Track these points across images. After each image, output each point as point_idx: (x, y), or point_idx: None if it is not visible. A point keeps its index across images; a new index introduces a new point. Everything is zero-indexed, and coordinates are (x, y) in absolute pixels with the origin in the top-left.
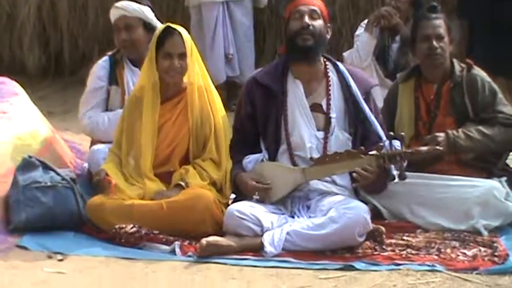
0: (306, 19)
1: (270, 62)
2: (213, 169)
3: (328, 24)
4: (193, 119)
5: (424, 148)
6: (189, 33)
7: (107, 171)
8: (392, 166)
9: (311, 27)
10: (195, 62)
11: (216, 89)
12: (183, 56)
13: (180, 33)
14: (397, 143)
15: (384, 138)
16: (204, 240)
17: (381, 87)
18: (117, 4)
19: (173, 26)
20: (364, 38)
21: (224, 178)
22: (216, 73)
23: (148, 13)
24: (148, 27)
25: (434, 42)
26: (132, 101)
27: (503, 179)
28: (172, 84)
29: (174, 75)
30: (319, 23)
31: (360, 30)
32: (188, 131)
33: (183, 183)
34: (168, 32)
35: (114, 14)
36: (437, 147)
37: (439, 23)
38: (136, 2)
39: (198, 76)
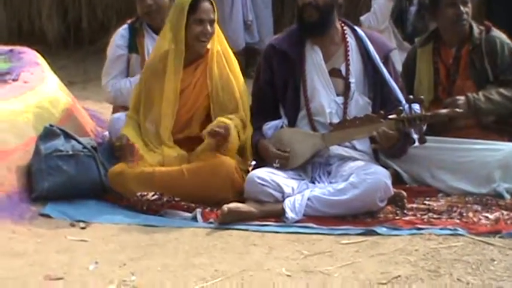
0: None
1: (288, 28)
2: (240, 128)
3: None
4: (213, 84)
5: (444, 110)
6: None
7: (128, 137)
8: (412, 130)
9: (313, 2)
10: (217, 30)
11: (235, 55)
12: (213, 22)
13: (211, 0)
14: (416, 107)
15: (403, 101)
16: (225, 207)
17: (399, 50)
18: None
19: None
20: (381, 0)
21: (246, 142)
22: (235, 40)
23: None
24: None
25: (462, 8)
26: (151, 66)
27: None
28: (194, 51)
29: (204, 41)
30: None
31: None
32: (208, 96)
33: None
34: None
35: None
36: (457, 109)
37: None
38: None
39: (217, 42)
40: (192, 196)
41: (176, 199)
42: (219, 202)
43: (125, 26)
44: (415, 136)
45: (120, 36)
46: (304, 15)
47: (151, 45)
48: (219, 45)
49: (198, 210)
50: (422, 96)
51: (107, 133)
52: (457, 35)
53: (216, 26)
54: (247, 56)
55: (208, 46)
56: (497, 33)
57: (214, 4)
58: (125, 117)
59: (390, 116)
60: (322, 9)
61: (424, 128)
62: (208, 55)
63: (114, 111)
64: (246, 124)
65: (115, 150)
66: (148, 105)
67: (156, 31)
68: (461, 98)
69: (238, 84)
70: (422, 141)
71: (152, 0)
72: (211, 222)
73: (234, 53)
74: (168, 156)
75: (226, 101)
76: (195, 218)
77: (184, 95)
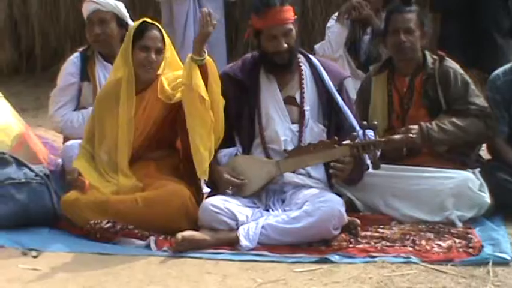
0: (283, 43)
1: (242, 55)
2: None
3: (295, 17)
4: (166, 102)
5: (397, 136)
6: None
7: (80, 170)
8: (366, 155)
9: (287, 46)
10: (172, 57)
11: None
12: (160, 51)
13: (159, 28)
14: (370, 133)
15: (358, 128)
16: (179, 235)
17: (352, 78)
18: None
19: (150, 21)
20: (335, 29)
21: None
22: None
23: (122, 8)
24: (122, 23)
25: (403, 36)
26: (103, 95)
27: (477, 170)
28: (143, 79)
29: (148, 69)
30: (293, 36)
31: (332, 22)
32: (156, 120)
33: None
34: (146, 25)
35: (87, 8)
36: (410, 135)
37: (410, 16)
38: None
39: (168, 68)
40: (146, 225)
41: (130, 227)
42: (173, 230)
43: (77, 54)
44: (369, 162)
45: (71, 64)
46: (276, 58)
47: (102, 73)
48: (171, 70)
49: (152, 238)
50: (376, 122)
51: (60, 160)
52: (407, 63)
53: (171, 54)
54: None
55: (159, 72)
56: (451, 63)
57: (164, 34)
58: (78, 145)
59: (344, 142)
60: (292, 48)
61: (378, 154)
62: (159, 80)
63: (67, 138)
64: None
65: (67, 183)
66: (101, 135)
67: (107, 59)
68: (414, 127)
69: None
70: (376, 167)
71: (100, 29)
72: (165, 251)
73: None
74: (123, 186)
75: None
76: (149, 246)
77: (135, 121)
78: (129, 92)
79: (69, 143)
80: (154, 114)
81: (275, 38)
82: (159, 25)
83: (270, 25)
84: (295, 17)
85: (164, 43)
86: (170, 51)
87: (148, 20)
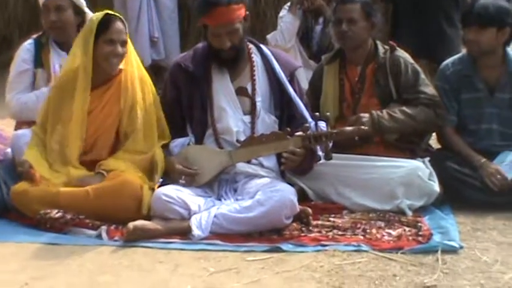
0: (226, 41)
1: (195, 44)
2: (135, 156)
3: (247, 13)
4: (125, 107)
5: (349, 128)
6: None
7: (30, 162)
8: (318, 147)
9: (230, 44)
10: (131, 51)
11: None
12: (124, 43)
13: (122, 20)
14: (322, 124)
15: (310, 119)
16: (130, 224)
17: (304, 68)
18: None
19: (112, 12)
20: (287, 19)
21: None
22: (141, 56)
23: None
24: (78, 11)
25: (344, 26)
26: (59, 84)
27: (427, 159)
28: (103, 71)
29: (115, 62)
30: (239, 34)
31: (284, 12)
32: (116, 119)
33: (104, 172)
34: (110, 18)
35: None
36: (362, 127)
37: (354, 7)
38: None
39: (130, 62)
40: (97, 215)
41: (81, 217)
42: (125, 221)
43: (31, 40)
44: (321, 153)
45: (25, 50)
46: (221, 54)
47: (57, 60)
48: (136, 70)
49: (103, 228)
50: (328, 113)
51: (9, 150)
52: (355, 52)
53: (129, 46)
54: (153, 73)
55: (121, 66)
56: (402, 53)
57: (126, 25)
58: (29, 133)
59: (297, 133)
60: (238, 46)
61: (330, 145)
62: (122, 76)
63: (17, 127)
64: (149, 148)
65: (17, 174)
66: (54, 124)
67: (62, 46)
68: (365, 116)
69: (150, 110)
70: (328, 157)
71: (56, 16)
72: (116, 240)
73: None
74: (74, 177)
75: (146, 118)
76: (100, 236)
77: (92, 117)
78: (86, 84)
79: (19, 132)
80: (113, 114)
81: (219, 36)
82: (121, 17)
83: (214, 23)
84: (246, 13)
85: (127, 34)
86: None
87: (111, 11)
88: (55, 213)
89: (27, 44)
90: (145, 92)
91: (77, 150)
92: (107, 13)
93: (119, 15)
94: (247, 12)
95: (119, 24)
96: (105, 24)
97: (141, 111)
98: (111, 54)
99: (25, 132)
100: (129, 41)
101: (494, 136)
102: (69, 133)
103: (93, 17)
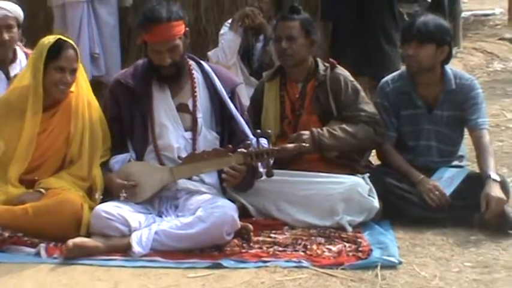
0: (167, 58)
1: (135, 61)
2: (77, 181)
3: (187, 29)
4: (75, 132)
5: (291, 145)
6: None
7: None
8: (260, 163)
9: (171, 61)
10: (80, 75)
11: None
12: (74, 71)
13: (74, 47)
14: (264, 141)
15: (251, 136)
16: (70, 242)
17: (246, 85)
18: None
19: (65, 38)
20: (229, 36)
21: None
22: None
23: (20, 12)
24: (19, 26)
25: (283, 43)
26: (4, 102)
27: (366, 175)
28: (51, 95)
29: (63, 89)
30: (179, 51)
31: (225, 30)
32: (64, 144)
33: (42, 190)
34: (62, 44)
35: None
36: (304, 144)
37: (293, 24)
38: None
39: (85, 91)
40: (37, 233)
41: (19, 234)
42: (65, 238)
43: None
44: (263, 170)
45: None
46: (161, 70)
47: None
48: (85, 94)
49: (42, 245)
50: (270, 131)
51: None
52: (294, 69)
53: (79, 69)
54: (93, 89)
55: (72, 89)
56: (342, 71)
57: (78, 52)
58: None
59: (238, 150)
60: (179, 63)
61: (272, 162)
62: (72, 100)
63: None
64: (91, 175)
65: None
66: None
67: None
68: (306, 133)
69: (97, 135)
70: (269, 174)
71: (8, 35)
72: (55, 258)
73: None
74: (13, 196)
75: (92, 145)
76: (38, 254)
77: (39, 140)
78: (36, 108)
79: None
80: (61, 138)
81: (159, 53)
82: (73, 43)
83: (154, 40)
84: (186, 29)
85: (78, 62)
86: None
87: (62, 37)
88: None
89: None
90: (93, 117)
91: (19, 171)
92: (59, 38)
93: (71, 41)
94: (187, 29)
95: (70, 52)
96: (56, 50)
97: (90, 138)
98: (59, 82)
99: None
100: (79, 64)
101: (432, 153)
102: (13, 153)
103: (44, 40)
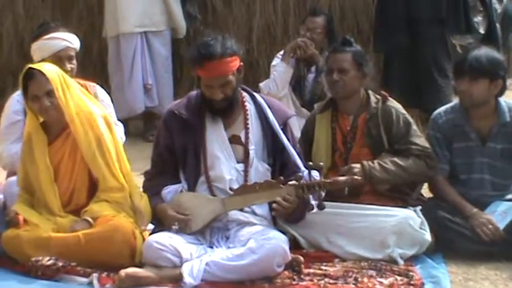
0: (218, 93)
1: (187, 92)
2: (114, 194)
3: (241, 64)
4: (86, 149)
5: (343, 178)
6: (106, 64)
7: (18, 211)
8: (311, 196)
9: (223, 96)
10: (73, 93)
11: (135, 119)
12: (51, 93)
13: (41, 72)
14: (315, 173)
15: (303, 168)
16: (122, 272)
17: (297, 116)
18: (57, 35)
19: (34, 66)
20: (281, 67)
21: (129, 198)
22: (134, 103)
23: (79, 43)
24: (77, 58)
25: (335, 75)
26: (24, 148)
27: (418, 208)
28: (55, 122)
29: (49, 114)
30: (231, 86)
31: (276, 61)
32: (83, 164)
33: (89, 219)
34: (29, 74)
35: (55, 45)
36: (356, 177)
37: (345, 56)
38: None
39: (79, 106)
40: (89, 261)
41: (72, 264)
42: (116, 267)
43: (19, 91)
44: (314, 202)
45: (15, 102)
46: (213, 103)
47: None
48: (82, 108)
49: (95, 275)
50: (321, 163)
51: (1, 196)
52: (346, 102)
53: (74, 92)
54: (146, 120)
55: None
56: (394, 103)
57: (49, 75)
58: None
59: (290, 182)
60: (231, 97)
61: (323, 194)
62: (71, 124)
63: (9, 175)
64: (122, 184)
65: (6, 223)
66: (35, 182)
67: None
68: (357, 166)
69: (107, 144)
70: (321, 207)
71: (70, 66)
72: None
73: (134, 117)
74: (62, 225)
75: (105, 160)
76: (91, 284)
77: (62, 167)
78: (41, 141)
79: (11, 178)
80: (78, 159)
81: (211, 87)
82: (46, 66)
83: (207, 76)
84: (240, 64)
85: (51, 82)
86: (63, 89)
87: (33, 65)
88: (46, 261)
89: (17, 95)
90: (97, 130)
91: (55, 201)
92: (29, 67)
93: (42, 66)
94: (241, 64)
95: (38, 78)
96: (24, 83)
97: (100, 149)
98: (40, 110)
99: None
100: (69, 83)
101: (485, 186)
102: (43, 190)
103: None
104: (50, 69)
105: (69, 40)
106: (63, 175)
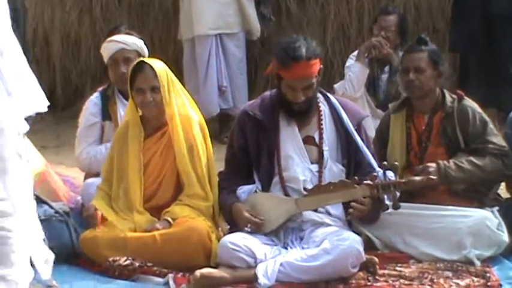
0: (301, 95)
1: (262, 93)
2: (198, 202)
3: (321, 66)
4: (179, 151)
5: (418, 178)
6: (181, 66)
7: (96, 207)
8: (386, 196)
9: (304, 98)
10: (177, 94)
11: (210, 121)
12: (155, 89)
13: (151, 66)
14: (390, 173)
15: (377, 168)
16: (197, 272)
17: (372, 117)
18: (114, 38)
19: (146, 60)
20: (356, 68)
21: (212, 208)
22: (209, 105)
23: (143, 46)
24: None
25: (411, 75)
26: (118, 136)
27: (495, 208)
28: (154, 118)
29: (150, 109)
30: (313, 89)
31: (350, 62)
32: (175, 164)
33: (169, 219)
34: (138, 67)
35: (111, 48)
36: (431, 177)
37: (421, 55)
38: (130, 35)
39: (180, 108)
40: (165, 262)
41: (148, 264)
42: (191, 267)
43: (97, 93)
44: (389, 202)
45: (92, 104)
46: (293, 106)
47: (123, 111)
48: (182, 111)
49: (170, 275)
50: (396, 163)
51: (79, 198)
52: (422, 101)
53: (178, 93)
54: (221, 122)
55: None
56: (470, 103)
57: (158, 71)
58: (99, 182)
59: (365, 182)
60: (311, 98)
61: (398, 194)
62: (170, 123)
63: (87, 177)
64: (206, 193)
65: (84, 219)
66: (120, 172)
67: (128, 97)
68: (432, 166)
69: (201, 150)
70: (396, 207)
71: (125, 68)
72: None
73: (209, 119)
74: (140, 223)
75: (194, 166)
76: (167, 284)
77: (151, 164)
78: (137, 134)
79: (89, 180)
80: (170, 158)
81: (294, 89)
82: (155, 62)
83: (292, 78)
84: (321, 66)
85: (159, 79)
86: (168, 88)
87: (145, 59)
88: (123, 261)
89: (94, 98)
90: (193, 135)
91: (139, 194)
92: (140, 61)
93: (151, 61)
94: (321, 66)
95: (146, 72)
96: (132, 74)
97: (192, 155)
98: (142, 103)
99: (95, 181)
100: (174, 84)
101: None
102: (129, 180)
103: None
104: (159, 66)
105: (125, 42)
106: (151, 172)
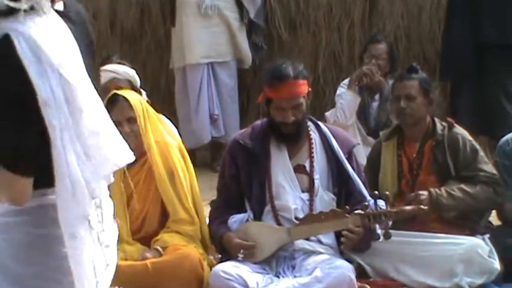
0: (290, 116)
1: (254, 121)
2: (185, 227)
3: (309, 89)
4: (159, 178)
5: (409, 207)
6: (173, 95)
7: None
8: (377, 225)
9: (294, 119)
10: (152, 122)
11: (202, 149)
12: (132, 120)
13: (125, 98)
14: (381, 202)
15: (368, 197)
16: None
17: (363, 145)
18: (106, 67)
19: (119, 92)
20: (348, 96)
21: (200, 230)
22: (201, 133)
23: (135, 75)
24: (135, 90)
25: (402, 102)
26: None
27: (486, 236)
28: (133, 149)
29: (128, 140)
30: (302, 110)
31: (341, 90)
32: (158, 191)
33: (159, 248)
34: (113, 99)
35: (103, 77)
36: (422, 206)
37: (412, 83)
38: (122, 65)
39: (156, 135)
40: None
41: None
42: None
43: None
44: (380, 231)
45: None
46: (282, 128)
47: None
48: (160, 138)
49: None
50: (387, 192)
51: None
52: (413, 129)
53: (154, 122)
54: (212, 150)
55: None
56: (460, 130)
57: (133, 102)
58: None
59: (356, 212)
60: (301, 122)
61: (390, 223)
62: (149, 152)
63: None
64: (192, 217)
65: None
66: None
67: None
68: (424, 194)
69: (181, 175)
70: (387, 236)
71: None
72: None
73: (200, 147)
74: (130, 253)
75: (176, 191)
76: None
77: (136, 193)
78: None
79: None
80: (152, 186)
81: (283, 110)
82: (129, 93)
83: (280, 97)
84: (309, 89)
85: (134, 109)
86: (144, 117)
87: (118, 91)
88: None
89: None
90: (173, 161)
91: (125, 227)
92: (114, 93)
93: (125, 93)
94: (310, 89)
95: (120, 104)
96: (108, 107)
97: (173, 180)
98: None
99: None
100: (150, 112)
101: None
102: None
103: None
104: (133, 97)
105: (117, 72)
106: (136, 201)
